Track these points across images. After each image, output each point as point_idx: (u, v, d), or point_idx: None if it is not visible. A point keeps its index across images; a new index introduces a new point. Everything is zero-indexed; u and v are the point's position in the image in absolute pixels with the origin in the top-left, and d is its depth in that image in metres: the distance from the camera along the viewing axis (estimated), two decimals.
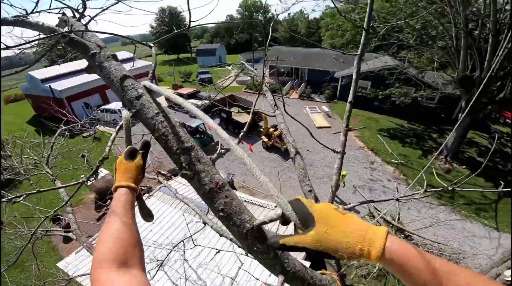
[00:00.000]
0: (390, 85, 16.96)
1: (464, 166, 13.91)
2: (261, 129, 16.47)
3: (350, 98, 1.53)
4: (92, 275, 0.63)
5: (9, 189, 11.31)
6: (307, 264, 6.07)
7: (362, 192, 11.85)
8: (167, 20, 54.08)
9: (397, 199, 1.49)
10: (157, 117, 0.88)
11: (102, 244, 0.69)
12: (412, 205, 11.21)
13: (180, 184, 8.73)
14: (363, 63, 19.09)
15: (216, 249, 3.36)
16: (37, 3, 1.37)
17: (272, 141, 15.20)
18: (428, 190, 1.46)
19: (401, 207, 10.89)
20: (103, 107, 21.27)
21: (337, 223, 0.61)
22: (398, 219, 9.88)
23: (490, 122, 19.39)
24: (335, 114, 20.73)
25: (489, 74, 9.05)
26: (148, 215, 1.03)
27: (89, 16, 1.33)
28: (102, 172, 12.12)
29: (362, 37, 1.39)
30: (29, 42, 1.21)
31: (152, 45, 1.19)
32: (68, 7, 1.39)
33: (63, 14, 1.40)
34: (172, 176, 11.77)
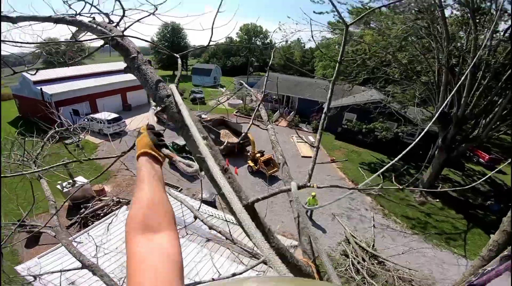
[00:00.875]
0: (374, 119, 17.63)
1: (437, 200, 14.66)
2: (248, 154, 16.72)
3: (325, 109, 1.83)
4: (125, 237, 0.67)
5: None
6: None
7: (340, 220, 12.26)
8: (168, 35, 55.25)
9: (358, 189, 1.71)
10: (182, 113, 1.14)
11: (132, 209, 0.72)
12: (387, 234, 11.75)
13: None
14: (351, 96, 20.04)
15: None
16: (86, 6, 1.63)
17: (258, 166, 15.44)
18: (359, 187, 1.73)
19: (376, 234, 11.38)
20: (91, 115, 21.11)
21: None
22: (373, 246, 10.34)
23: (464, 160, 20.53)
24: (320, 145, 21.38)
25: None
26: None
27: (123, 22, 1.59)
28: (80, 180, 11.78)
29: (336, 69, 1.67)
30: (76, 41, 1.46)
31: (178, 56, 1.47)
32: (106, 14, 1.66)
33: (94, 18, 1.66)
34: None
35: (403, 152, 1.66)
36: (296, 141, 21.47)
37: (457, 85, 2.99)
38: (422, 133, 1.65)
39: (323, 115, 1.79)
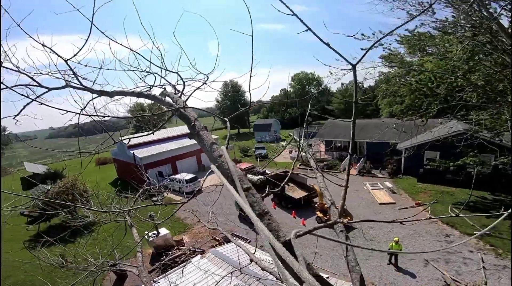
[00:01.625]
0: (462, 154, 15.15)
1: None
2: (316, 205, 16.30)
3: (349, 150, 1.80)
4: None
5: (88, 232, 12.94)
6: None
7: (436, 265, 10.50)
8: (229, 94, 60.11)
9: (401, 222, 1.48)
10: (231, 168, 1.34)
11: None
12: (504, 274, 9.64)
13: (229, 250, 9.03)
14: (428, 131, 17.67)
15: None
16: (154, 82, 2.10)
17: (327, 216, 14.67)
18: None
19: (489, 276, 9.44)
20: (172, 176, 24.14)
21: None
22: None
23: None
24: (400, 190, 19.25)
25: None
26: None
27: (183, 93, 1.98)
28: (163, 231, 13.35)
29: (353, 109, 1.65)
30: (152, 115, 1.87)
31: (226, 119, 1.73)
32: (172, 85, 2.09)
33: (165, 89, 2.10)
34: (225, 242, 12.08)
35: None
36: (371, 189, 19.80)
37: None
38: None
39: (348, 157, 1.78)
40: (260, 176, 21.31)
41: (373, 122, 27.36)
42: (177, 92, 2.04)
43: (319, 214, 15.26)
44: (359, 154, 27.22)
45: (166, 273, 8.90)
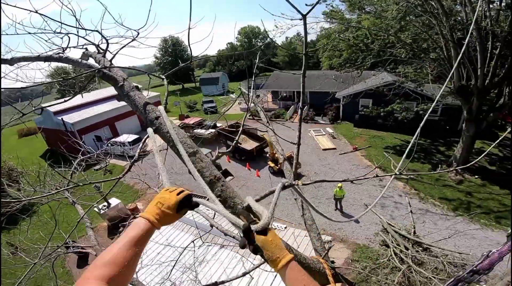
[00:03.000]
0: (391, 102, 17.11)
1: (476, 176, 13.72)
2: (267, 155, 16.73)
3: (300, 104, 1.78)
4: (80, 278, 0.74)
5: (27, 214, 11.69)
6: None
7: (374, 209, 11.50)
8: (170, 50, 55.98)
9: (350, 181, 1.57)
10: (170, 131, 1.15)
11: (100, 259, 0.79)
12: (427, 218, 11.10)
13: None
14: (362, 81, 19.63)
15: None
16: (68, 43, 1.71)
17: (278, 165, 15.35)
18: (400, 173, 1.59)
19: (416, 220, 10.52)
20: (113, 140, 22.04)
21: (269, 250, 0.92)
22: (414, 232, 9.57)
23: (497, 130, 19.33)
24: (340, 135, 21.00)
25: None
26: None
27: (109, 51, 1.64)
28: (114, 201, 12.58)
29: (303, 61, 1.60)
30: (67, 79, 1.51)
31: (163, 77, 1.48)
32: (95, 44, 1.72)
33: (86, 49, 1.73)
34: None
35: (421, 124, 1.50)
36: (315, 135, 21.19)
37: (458, 60, 2.78)
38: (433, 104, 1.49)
39: (299, 111, 1.74)
40: (211, 130, 20.98)
41: (315, 73, 28.54)
42: (100, 51, 1.68)
43: (270, 164, 15.86)
44: (302, 103, 28.78)
45: None
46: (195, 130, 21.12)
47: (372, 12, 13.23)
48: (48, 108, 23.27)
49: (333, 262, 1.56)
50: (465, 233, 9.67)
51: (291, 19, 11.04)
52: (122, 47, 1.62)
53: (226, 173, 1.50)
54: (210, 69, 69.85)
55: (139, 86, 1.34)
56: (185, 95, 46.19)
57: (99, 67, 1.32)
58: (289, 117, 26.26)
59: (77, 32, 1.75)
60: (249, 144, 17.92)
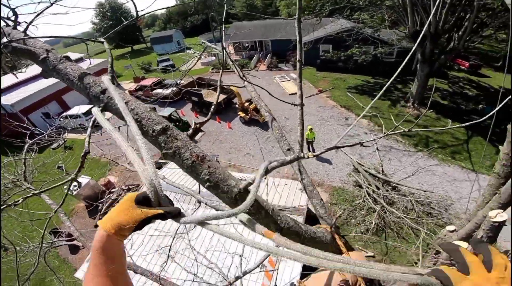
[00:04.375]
0: (350, 47, 17.74)
1: (431, 110, 14.87)
2: (236, 106, 16.39)
3: (298, 57, 1.60)
4: None
5: None
6: (300, 218, 6.42)
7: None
8: (109, 13, 50.21)
9: (361, 144, 1.54)
10: (120, 108, 0.92)
11: None
12: (392, 156, 11.73)
13: (169, 173, 8.81)
14: (322, 28, 19.52)
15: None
16: None
17: (249, 115, 15.23)
18: (387, 133, 1.55)
19: (382, 158, 11.17)
20: (64, 114, 19.96)
21: None
22: (382, 171, 9.96)
23: (446, 70, 20.75)
24: (304, 79, 21.02)
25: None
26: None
27: (25, 22, 1.27)
28: (84, 179, 11.85)
29: (297, 3, 1.43)
30: None
31: (103, 40, 1.19)
32: (3, 17, 1.33)
33: None
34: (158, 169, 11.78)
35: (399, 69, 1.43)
36: (280, 81, 21.10)
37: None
38: (409, 56, 1.41)
39: (297, 64, 1.54)
40: (172, 88, 19.75)
41: (275, 22, 27.77)
42: (9, 25, 1.28)
43: (241, 114, 15.68)
44: (265, 51, 28.67)
45: None
46: (154, 91, 19.80)
47: None
48: None
49: (337, 227, 1.51)
50: (426, 169, 10.48)
51: None
52: (38, 15, 1.25)
53: (197, 131, 1.33)
54: (161, 27, 63.56)
55: (69, 56, 1.05)
56: (137, 57, 42.05)
57: (6, 41, 1.00)
58: (253, 66, 26.00)
59: None
60: (215, 97, 17.33)
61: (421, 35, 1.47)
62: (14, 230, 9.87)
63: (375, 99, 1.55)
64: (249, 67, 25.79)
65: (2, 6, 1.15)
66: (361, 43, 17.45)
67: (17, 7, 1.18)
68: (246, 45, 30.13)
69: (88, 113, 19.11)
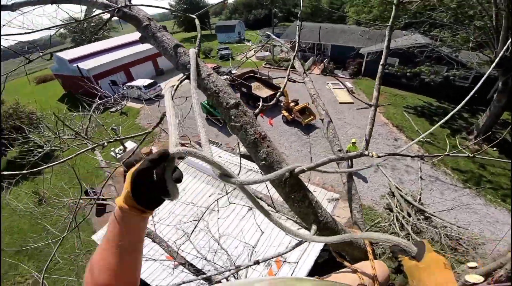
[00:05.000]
0: (420, 63, 16.21)
1: (495, 148, 13.17)
2: (282, 104, 16.37)
3: (382, 61, 1.56)
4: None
5: (51, 160, 12.33)
6: None
7: (384, 170, 11.55)
8: None
9: (422, 158, 1.47)
10: (208, 77, 1.03)
11: (89, 271, 0.66)
12: (435, 187, 10.89)
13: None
14: (392, 40, 18.14)
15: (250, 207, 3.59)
16: None
17: (292, 115, 15.10)
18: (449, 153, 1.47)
19: (424, 187, 10.44)
20: (128, 84, 22.25)
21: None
22: (420, 200, 9.65)
23: None
24: (359, 91, 20.11)
25: None
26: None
27: None
28: (130, 145, 12.90)
29: (393, 11, 1.39)
30: (78, 21, 1.37)
31: (194, 16, 1.30)
32: None
33: None
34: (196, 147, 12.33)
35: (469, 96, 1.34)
36: (332, 88, 20.40)
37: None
38: (484, 77, 1.28)
39: (380, 68, 1.52)
40: (226, 76, 20.45)
41: (339, 27, 26.93)
42: None
43: (284, 113, 15.67)
44: (323, 55, 27.60)
45: None
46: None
47: None
48: (63, 56, 23.68)
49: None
50: (469, 207, 9.57)
51: None
52: None
53: (261, 112, 1.38)
54: (227, 17, 66.10)
55: (166, 26, 1.18)
56: (201, 42, 44.20)
57: (118, 6, 1.15)
58: (307, 68, 25.30)
59: None
60: (264, 92, 17.53)
61: None
62: (60, 181, 10.42)
63: (437, 125, 1.44)
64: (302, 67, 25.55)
65: None
66: (433, 62, 15.89)
67: None
68: (303, 46, 29.77)
69: (149, 86, 21.05)
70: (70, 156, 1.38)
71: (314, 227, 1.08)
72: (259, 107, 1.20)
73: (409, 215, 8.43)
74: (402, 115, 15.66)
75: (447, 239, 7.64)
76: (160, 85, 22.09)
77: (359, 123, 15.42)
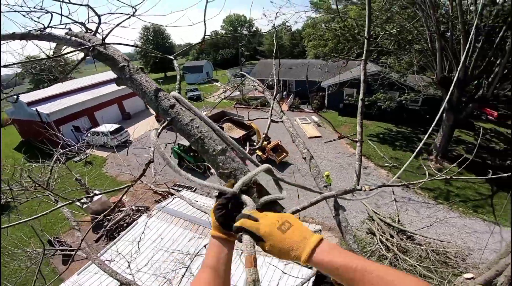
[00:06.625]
0: (375, 91, 17.54)
1: (454, 164, 14.24)
2: (254, 143, 16.54)
3: (361, 96, 1.63)
4: None
5: (6, 213, 11.00)
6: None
7: (360, 197, 11.81)
8: (151, 38, 54.48)
9: (407, 185, 1.49)
10: (192, 123, 0.95)
11: None
12: (410, 206, 11.35)
13: (176, 202, 8.75)
14: (348, 71, 19.80)
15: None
16: (50, 21, 1.45)
17: (266, 154, 15.20)
18: (433, 178, 1.52)
19: (400, 208, 10.91)
20: (93, 130, 20.98)
21: (277, 242, 0.71)
22: (398, 220, 9.82)
23: (473, 120, 20.11)
24: (325, 123, 21.14)
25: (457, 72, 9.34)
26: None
27: (101, 30, 1.40)
28: (97, 194, 12.02)
29: (365, 45, 1.49)
30: (50, 57, 1.27)
31: (173, 58, 1.27)
32: (81, 23, 1.47)
33: (69, 29, 1.47)
34: (168, 194, 11.73)
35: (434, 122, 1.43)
36: (300, 123, 21.27)
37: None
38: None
39: (360, 103, 1.58)
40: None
41: (301, 62, 29.03)
42: (88, 31, 1.42)
43: (258, 152, 15.69)
44: (288, 91, 29.05)
45: (115, 240, 8.15)
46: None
47: (359, 3, 13.27)
48: (20, 98, 21.96)
49: None
50: (445, 221, 10.08)
51: (280, 7, 10.82)
52: (118, 25, 1.37)
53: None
54: (194, 57, 67.76)
55: (144, 68, 1.13)
56: (168, 84, 44.70)
57: (93, 44, 1.09)
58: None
59: (61, 6, 1.48)
60: (236, 133, 17.69)
61: (453, 82, 1.47)
62: (21, 232, 10.01)
63: (412, 156, 1.51)
64: (272, 105, 26.43)
65: (89, 10, 1.26)
66: (386, 89, 17.23)
67: (102, 15, 1.30)
68: (271, 83, 31.23)
69: (116, 131, 20.03)
70: (33, 217, 1.20)
71: None
72: (246, 152, 1.15)
73: (392, 236, 8.56)
74: (367, 144, 16.60)
75: (434, 254, 7.75)
76: (127, 130, 21.00)
77: (329, 155, 16.00)
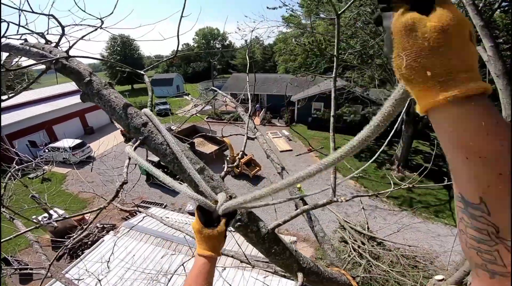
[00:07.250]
0: (341, 105, 18.40)
1: (414, 173, 15.30)
2: (227, 158, 16.42)
3: (332, 112, 1.69)
4: None
5: None
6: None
7: (330, 208, 12.19)
8: (119, 49, 52.65)
9: (376, 195, 1.58)
10: (167, 141, 0.91)
11: None
12: (377, 214, 11.94)
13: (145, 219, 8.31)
14: (315, 86, 20.63)
15: None
16: (6, 31, 1.34)
17: (239, 168, 15.10)
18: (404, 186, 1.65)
19: (368, 216, 11.32)
20: (51, 145, 19.42)
21: None
22: (368, 228, 10.25)
23: (429, 131, 21.93)
24: (295, 137, 21.67)
25: None
26: None
27: (65, 41, 1.32)
28: (57, 212, 11.07)
29: (335, 62, 1.56)
30: (8, 70, 1.16)
31: (143, 73, 1.23)
32: (41, 34, 1.37)
33: (25, 40, 1.37)
34: (137, 212, 11.13)
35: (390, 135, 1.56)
36: (272, 137, 21.51)
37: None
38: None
39: (331, 119, 1.65)
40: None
41: (272, 77, 29.58)
42: (49, 42, 1.33)
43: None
44: (260, 105, 29.39)
45: (80, 258, 7.49)
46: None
47: (326, 18, 13.91)
48: None
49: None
50: (411, 227, 10.65)
51: (253, 21, 11.10)
52: (83, 37, 1.30)
53: (227, 173, 1.37)
54: (163, 69, 65.99)
55: (113, 82, 1.07)
56: (135, 97, 43.17)
57: (55, 57, 1.02)
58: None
59: (19, 15, 1.38)
60: (208, 148, 17.41)
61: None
62: None
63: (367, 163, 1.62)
64: (244, 120, 26.56)
65: (50, 21, 1.18)
66: (351, 102, 18.01)
67: (66, 26, 1.22)
68: (243, 97, 31.49)
69: (77, 147, 18.65)
70: None
71: (300, 275, 1.07)
72: (225, 170, 1.13)
73: (363, 244, 8.90)
74: None
75: (404, 259, 8.20)
76: (90, 145, 19.63)
77: (300, 168, 16.04)
